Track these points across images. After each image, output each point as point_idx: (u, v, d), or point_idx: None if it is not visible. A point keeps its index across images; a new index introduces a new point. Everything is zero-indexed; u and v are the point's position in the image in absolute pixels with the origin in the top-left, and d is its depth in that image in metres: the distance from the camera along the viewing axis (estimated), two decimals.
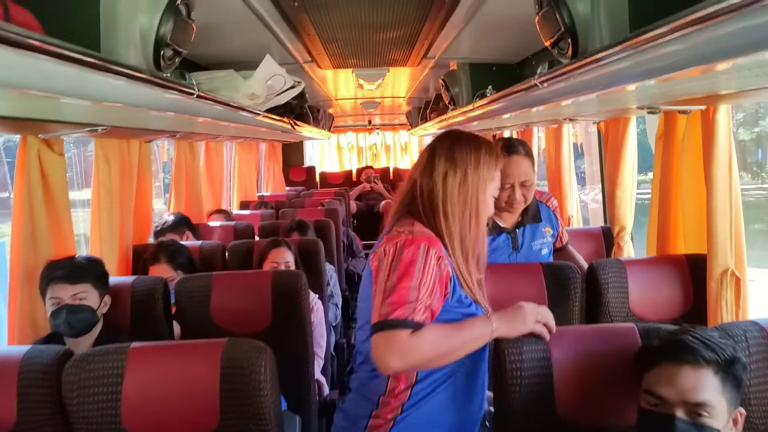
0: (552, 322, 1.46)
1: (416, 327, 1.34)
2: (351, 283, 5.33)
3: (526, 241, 2.29)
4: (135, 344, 1.57)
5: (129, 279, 2.36)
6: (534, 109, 2.67)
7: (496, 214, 2.12)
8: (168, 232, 3.54)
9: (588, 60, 1.23)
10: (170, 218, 3.60)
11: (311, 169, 8.73)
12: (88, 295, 2.06)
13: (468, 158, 1.47)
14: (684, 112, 2.06)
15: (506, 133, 5.62)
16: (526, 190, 2.16)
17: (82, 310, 2.04)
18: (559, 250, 2.48)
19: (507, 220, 2.27)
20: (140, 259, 2.91)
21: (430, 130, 6.21)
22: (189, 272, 2.91)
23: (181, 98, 1.48)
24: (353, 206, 7.28)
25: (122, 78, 1.18)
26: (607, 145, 2.94)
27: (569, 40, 1.32)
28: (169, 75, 1.44)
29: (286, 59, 3.04)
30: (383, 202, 7.44)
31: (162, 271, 2.83)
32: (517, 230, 2.28)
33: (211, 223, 4.06)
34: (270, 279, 2.37)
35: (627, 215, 2.88)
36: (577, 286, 2.19)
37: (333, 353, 3.38)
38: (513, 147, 2.17)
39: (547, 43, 1.45)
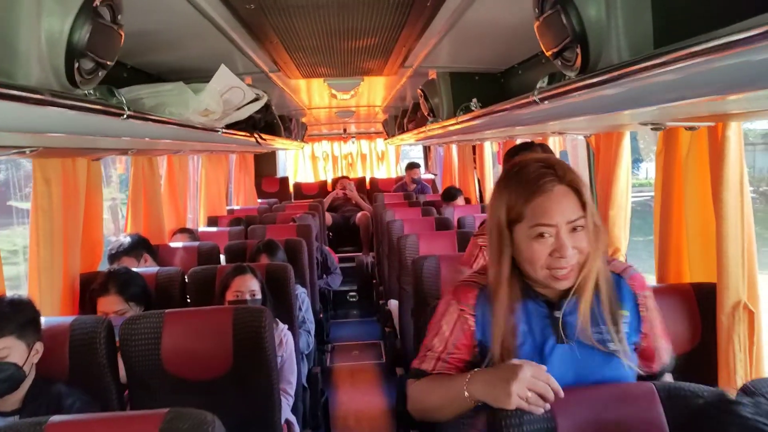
0: (550, 394, 1.21)
1: (419, 375, 1.42)
2: (325, 301, 5.07)
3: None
4: (54, 419, 1.29)
5: (67, 320, 2.06)
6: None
7: None
8: (124, 256, 3.25)
9: (605, 76, 1.00)
10: (126, 240, 3.31)
11: (285, 180, 8.44)
12: (11, 351, 1.75)
13: (494, 190, 1.35)
14: (691, 128, 1.86)
15: (486, 144, 5.43)
16: None
17: (3, 370, 1.73)
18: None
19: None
20: (88, 289, 2.62)
21: (408, 140, 5.98)
22: (143, 303, 2.64)
23: (106, 119, 1.22)
24: (328, 218, 7.01)
25: (17, 101, 0.91)
26: (599, 161, 2.74)
27: (577, 50, 1.09)
28: (90, 92, 1.17)
29: (251, 68, 2.78)
30: (359, 214, 7.19)
31: (111, 303, 2.54)
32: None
33: (173, 244, 3.77)
34: (231, 316, 2.10)
35: (621, 236, 2.67)
36: None
37: (305, 385, 3.11)
38: (525, 146, 1.99)
39: (548, 53, 1.22)
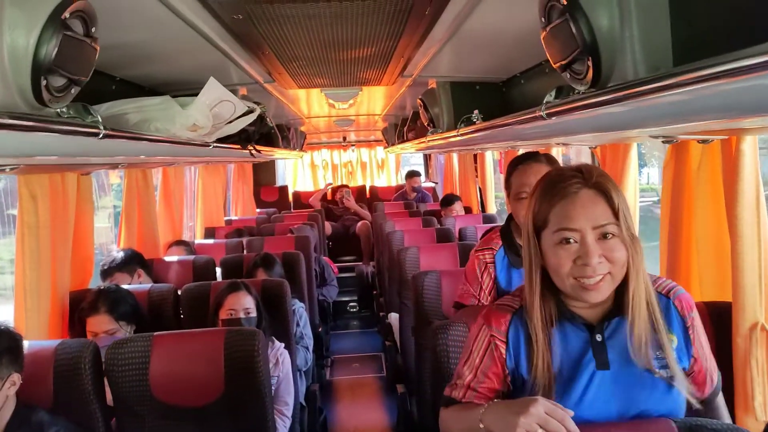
0: None
1: (449, 403, 1.37)
2: (325, 314, 4.97)
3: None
4: None
5: (51, 344, 1.97)
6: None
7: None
8: (117, 272, 3.16)
9: (619, 93, 0.91)
10: (119, 255, 3.23)
11: (284, 189, 8.35)
12: None
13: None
14: (704, 141, 1.77)
15: (487, 154, 5.35)
16: None
17: None
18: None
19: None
20: (78, 308, 2.53)
21: (409, 150, 5.90)
22: (135, 323, 2.55)
23: (81, 139, 1.13)
24: (328, 228, 6.92)
25: None
26: None
27: (588, 63, 1.00)
28: (63, 110, 1.09)
29: (245, 79, 2.70)
30: (360, 223, 7.10)
31: (101, 323, 2.46)
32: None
33: (168, 258, 3.67)
34: (222, 339, 2.01)
35: None
36: None
37: (303, 403, 3.01)
38: (529, 155, 1.90)
39: (556, 65, 1.13)
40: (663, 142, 1.71)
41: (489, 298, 2.06)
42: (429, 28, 1.79)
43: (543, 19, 1.12)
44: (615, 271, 1.18)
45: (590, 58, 1.00)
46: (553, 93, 1.22)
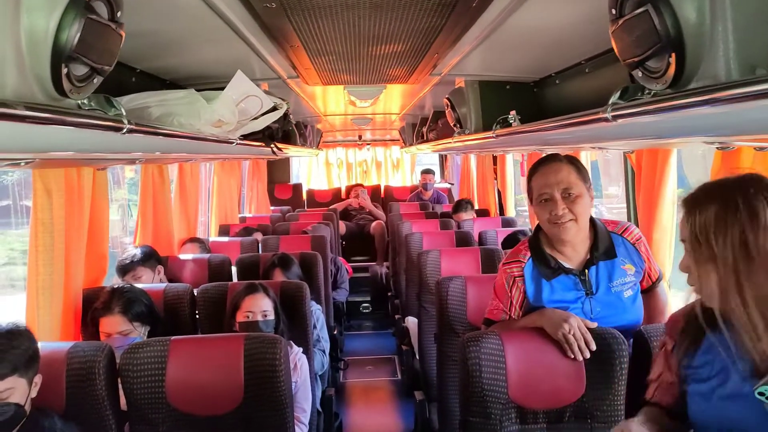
0: None
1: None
2: (339, 316, 4.87)
3: (602, 282, 1.88)
4: None
5: (64, 346, 1.89)
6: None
7: (557, 250, 1.91)
8: (140, 266, 3.10)
9: (710, 95, 0.80)
10: (138, 250, 3.15)
11: (298, 187, 8.27)
12: (14, 391, 1.60)
13: None
14: (761, 148, 1.65)
15: (508, 156, 5.23)
16: (572, 203, 1.79)
17: (4, 412, 1.58)
18: (647, 292, 2.01)
19: (572, 259, 1.90)
20: (91, 308, 2.45)
21: (425, 150, 5.78)
22: (149, 323, 2.46)
23: (103, 134, 1.04)
24: (342, 227, 6.83)
25: None
26: (640, 180, 2.52)
27: (670, 59, 0.89)
28: (84, 102, 0.99)
29: (268, 74, 2.60)
30: (374, 223, 7.01)
31: (115, 323, 2.37)
32: (587, 270, 1.88)
33: (182, 256, 3.59)
34: (242, 346, 1.92)
35: (665, 261, 2.46)
36: (623, 358, 1.78)
37: (319, 409, 2.92)
38: (550, 157, 1.86)
39: (625, 61, 1.02)
40: (718, 148, 1.59)
41: (520, 312, 1.96)
42: (469, 25, 1.68)
43: (614, 11, 1.01)
44: None
45: (673, 54, 0.89)
46: (618, 93, 1.11)
